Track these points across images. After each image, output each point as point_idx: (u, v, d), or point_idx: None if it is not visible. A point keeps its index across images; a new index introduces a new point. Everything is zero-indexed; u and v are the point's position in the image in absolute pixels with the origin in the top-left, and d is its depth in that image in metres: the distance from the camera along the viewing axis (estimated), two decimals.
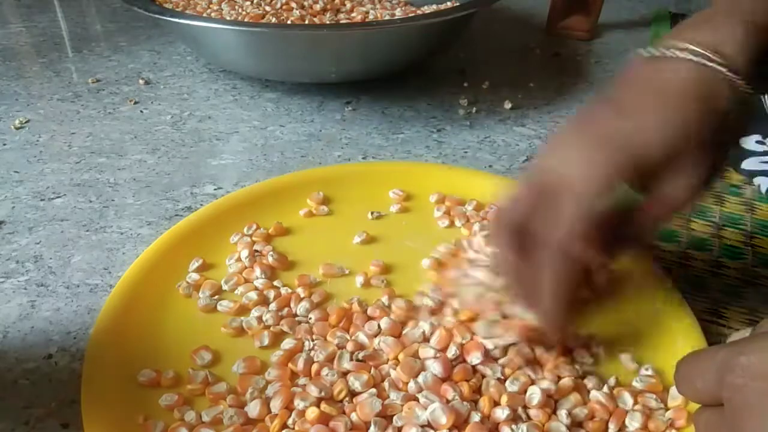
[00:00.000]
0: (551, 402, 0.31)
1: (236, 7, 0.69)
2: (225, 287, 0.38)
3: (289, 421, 0.29)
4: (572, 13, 0.83)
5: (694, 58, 0.29)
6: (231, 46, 0.60)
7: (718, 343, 0.24)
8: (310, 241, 0.42)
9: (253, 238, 0.42)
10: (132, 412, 0.30)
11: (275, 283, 0.38)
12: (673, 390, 0.31)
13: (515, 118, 0.61)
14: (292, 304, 0.36)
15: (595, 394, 0.31)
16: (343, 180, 0.47)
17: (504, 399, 0.30)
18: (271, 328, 0.35)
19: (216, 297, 0.37)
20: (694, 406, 0.30)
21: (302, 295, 0.37)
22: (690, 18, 0.32)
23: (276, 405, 0.30)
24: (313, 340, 0.34)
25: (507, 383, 0.31)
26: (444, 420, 0.28)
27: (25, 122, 0.59)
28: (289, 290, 0.38)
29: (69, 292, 0.39)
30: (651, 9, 0.94)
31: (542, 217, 0.29)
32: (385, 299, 0.36)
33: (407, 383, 0.31)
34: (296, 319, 0.36)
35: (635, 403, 0.31)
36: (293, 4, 0.69)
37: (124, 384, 0.31)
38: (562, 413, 0.30)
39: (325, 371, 0.31)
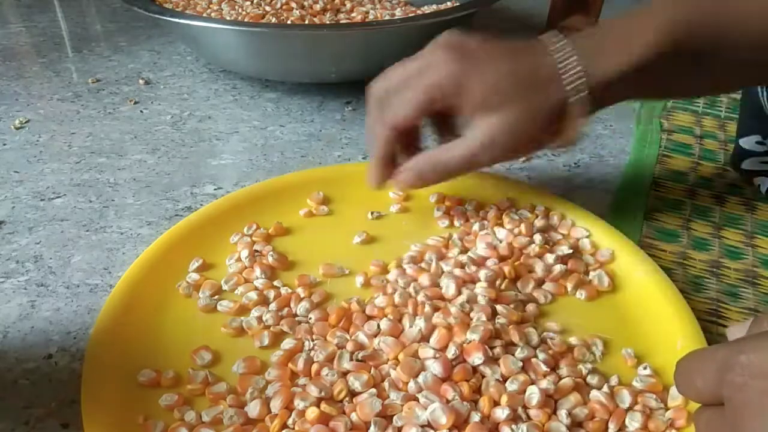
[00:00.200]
0: (551, 402, 0.31)
1: (236, 7, 0.69)
2: (225, 287, 0.38)
3: (289, 421, 0.29)
4: (572, 13, 0.82)
5: (562, 64, 0.36)
6: (231, 46, 0.60)
7: (718, 343, 0.24)
8: (310, 241, 0.42)
9: (253, 238, 0.42)
10: (132, 412, 0.30)
11: (275, 283, 0.38)
12: (673, 390, 0.31)
13: None
14: (292, 304, 0.36)
15: (595, 394, 0.31)
16: (343, 180, 0.47)
17: (504, 399, 0.30)
18: (271, 328, 0.35)
19: (216, 297, 0.37)
20: (694, 406, 0.30)
21: (302, 295, 0.37)
22: (616, 17, 0.38)
23: (276, 405, 0.30)
24: (313, 340, 0.34)
25: (507, 383, 0.31)
26: (444, 420, 0.28)
27: (25, 122, 0.59)
28: (289, 290, 0.38)
29: (69, 292, 0.39)
30: None
31: (392, 97, 0.39)
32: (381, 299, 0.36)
33: (407, 383, 0.31)
34: (296, 319, 0.36)
35: (635, 402, 0.31)
36: (293, 4, 0.69)
37: (124, 384, 0.31)
38: (562, 413, 0.30)
39: (325, 371, 0.31)
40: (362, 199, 0.46)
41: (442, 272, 0.38)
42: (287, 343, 0.34)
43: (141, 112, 0.62)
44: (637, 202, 0.48)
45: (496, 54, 0.37)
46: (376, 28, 0.59)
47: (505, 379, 0.31)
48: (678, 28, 0.36)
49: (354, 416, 0.29)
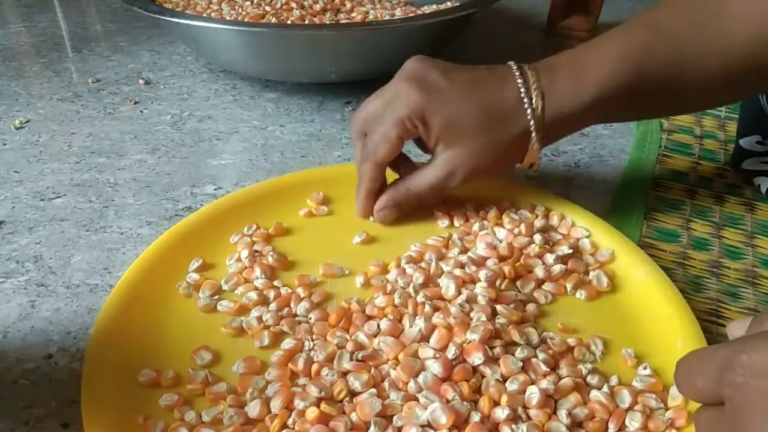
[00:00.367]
0: (551, 402, 0.31)
1: (236, 7, 0.69)
2: (225, 287, 0.38)
3: (289, 421, 0.29)
4: (572, 13, 0.82)
5: (524, 98, 0.38)
6: (231, 46, 0.60)
7: (719, 343, 0.24)
8: (310, 241, 0.42)
9: (253, 238, 0.42)
10: (132, 412, 0.30)
11: (275, 283, 0.38)
12: (673, 390, 0.31)
13: None
14: (292, 304, 0.36)
15: (595, 394, 0.31)
16: (343, 180, 0.47)
17: (504, 399, 0.30)
18: (271, 328, 0.35)
19: (216, 297, 0.37)
20: (694, 406, 0.30)
21: (302, 295, 0.37)
22: (574, 49, 0.40)
23: (276, 405, 0.30)
24: (313, 340, 0.34)
25: (507, 383, 0.31)
26: (444, 420, 0.28)
27: (25, 122, 0.59)
28: (289, 290, 0.38)
29: (69, 292, 0.39)
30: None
31: (370, 130, 0.40)
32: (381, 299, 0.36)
33: (407, 383, 0.31)
34: (296, 319, 0.36)
35: (635, 402, 0.31)
36: (293, 4, 0.69)
37: (124, 384, 0.31)
38: (562, 413, 0.30)
39: (325, 371, 0.31)
40: None
41: (442, 272, 0.38)
42: (287, 343, 0.34)
43: (141, 112, 0.62)
44: (637, 202, 0.48)
45: (458, 86, 0.38)
46: (376, 28, 0.59)
47: (505, 379, 0.31)
48: (639, 57, 0.38)
49: (354, 416, 0.29)
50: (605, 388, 0.31)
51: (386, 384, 0.31)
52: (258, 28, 0.59)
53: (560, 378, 0.31)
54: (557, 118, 0.38)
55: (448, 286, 0.36)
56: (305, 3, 0.70)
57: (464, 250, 0.41)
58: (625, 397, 0.31)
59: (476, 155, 0.39)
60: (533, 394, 0.30)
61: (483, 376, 0.31)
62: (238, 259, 0.40)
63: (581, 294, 0.38)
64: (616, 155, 0.55)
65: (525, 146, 0.39)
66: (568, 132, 0.41)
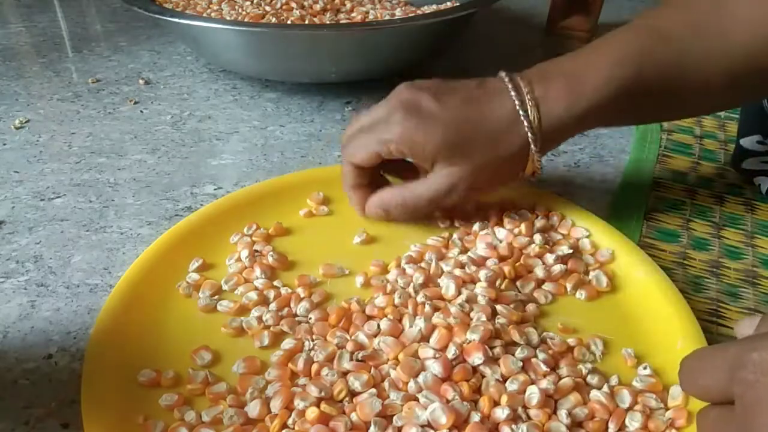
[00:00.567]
0: (551, 402, 0.31)
1: (236, 7, 0.69)
2: (225, 287, 0.38)
3: (289, 421, 0.29)
4: (572, 13, 0.82)
5: (519, 111, 0.37)
6: (231, 46, 0.60)
7: (725, 342, 0.24)
8: (310, 241, 0.42)
9: (253, 238, 0.42)
10: (132, 412, 0.30)
11: (275, 283, 0.38)
12: (673, 390, 0.31)
13: None
14: (292, 304, 0.36)
15: (595, 394, 0.31)
16: None
17: (504, 399, 0.30)
18: (271, 328, 0.35)
19: (216, 297, 0.37)
20: (694, 406, 0.30)
21: (302, 295, 0.37)
22: (568, 55, 0.40)
23: (276, 405, 0.30)
24: (313, 340, 0.34)
25: (507, 383, 0.31)
26: (444, 420, 0.28)
27: (25, 122, 0.59)
28: (289, 290, 0.38)
29: (69, 292, 0.39)
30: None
31: (358, 134, 0.41)
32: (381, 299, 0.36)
33: (407, 383, 0.31)
34: (296, 319, 0.36)
35: (635, 402, 0.31)
36: (293, 4, 0.69)
37: (124, 384, 0.31)
38: (562, 413, 0.30)
39: (325, 371, 0.31)
40: None
41: (442, 272, 0.38)
42: (287, 343, 0.34)
43: (141, 112, 0.62)
44: (637, 202, 0.48)
45: (451, 108, 0.38)
46: (376, 28, 0.59)
47: (505, 379, 0.31)
48: (638, 60, 0.37)
49: (354, 416, 0.29)
50: (605, 388, 0.31)
51: (386, 384, 0.31)
52: (258, 28, 0.59)
53: (560, 378, 0.31)
54: (555, 127, 0.38)
55: (448, 286, 0.36)
56: (305, 3, 0.70)
57: (464, 250, 0.41)
58: (625, 397, 0.31)
59: (477, 172, 0.39)
60: (533, 394, 0.30)
61: (483, 376, 0.31)
62: (238, 259, 0.40)
63: (581, 294, 0.38)
64: (616, 155, 0.55)
65: (525, 158, 0.39)
66: (567, 138, 0.41)
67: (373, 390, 0.31)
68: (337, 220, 0.45)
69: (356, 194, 0.42)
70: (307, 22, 0.66)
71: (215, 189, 0.49)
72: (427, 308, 0.34)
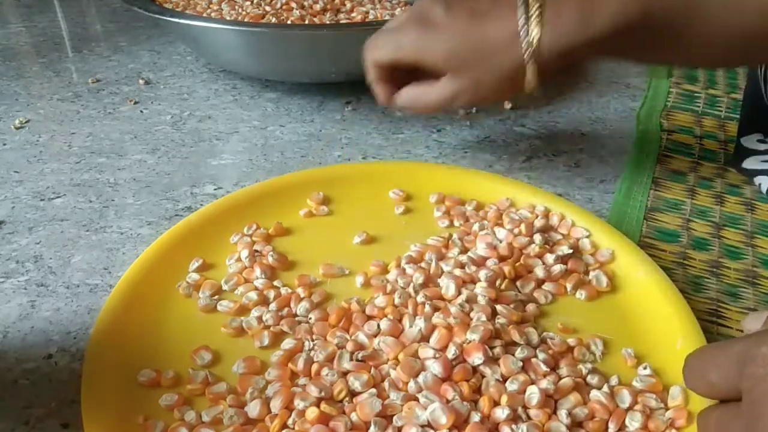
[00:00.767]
0: (551, 402, 0.31)
1: (236, 7, 0.69)
2: (225, 287, 0.38)
3: (289, 421, 0.29)
4: None
5: (520, 30, 0.38)
6: (231, 46, 0.60)
7: (730, 339, 0.24)
8: (310, 241, 0.42)
9: (253, 238, 0.42)
10: (132, 412, 0.30)
11: (275, 283, 0.38)
12: (673, 390, 0.31)
13: (515, 118, 0.61)
14: (292, 304, 0.36)
15: (595, 394, 0.31)
16: (343, 180, 0.47)
17: (504, 399, 0.30)
18: (271, 328, 0.35)
19: (216, 297, 0.37)
20: (694, 406, 0.30)
21: (302, 295, 0.37)
22: None
23: (276, 405, 0.30)
24: (313, 340, 0.34)
25: (507, 383, 0.31)
26: (444, 420, 0.28)
27: (25, 122, 0.59)
28: (289, 290, 0.38)
29: (69, 292, 0.39)
30: None
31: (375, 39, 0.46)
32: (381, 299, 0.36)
33: (407, 383, 0.31)
34: (296, 319, 0.36)
35: (635, 402, 0.31)
36: (293, 4, 0.69)
37: (124, 384, 0.31)
38: (562, 413, 0.30)
39: (325, 371, 0.31)
40: (362, 199, 0.46)
41: (442, 272, 0.38)
42: (287, 343, 0.34)
43: (141, 112, 0.62)
44: (637, 202, 0.48)
45: (458, 20, 0.40)
46: (376, 28, 0.59)
47: (505, 379, 0.31)
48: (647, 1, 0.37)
49: (354, 416, 0.29)
50: (605, 388, 0.31)
51: (386, 384, 0.31)
52: (258, 28, 0.59)
53: (560, 378, 0.31)
54: (562, 50, 0.38)
55: (448, 286, 0.36)
56: (305, 3, 0.70)
57: (464, 250, 0.41)
58: (625, 397, 0.31)
59: (477, 84, 0.41)
60: (533, 394, 0.30)
61: (483, 376, 0.31)
62: (238, 259, 0.40)
63: (581, 294, 0.38)
64: (616, 155, 0.55)
65: (524, 76, 0.40)
66: (572, 63, 0.42)
67: (373, 390, 0.31)
68: (337, 220, 0.45)
69: (378, 87, 0.47)
70: (307, 22, 0.66)
71: (215, 189, 0.49)
72: (427, 308, 0.34)
